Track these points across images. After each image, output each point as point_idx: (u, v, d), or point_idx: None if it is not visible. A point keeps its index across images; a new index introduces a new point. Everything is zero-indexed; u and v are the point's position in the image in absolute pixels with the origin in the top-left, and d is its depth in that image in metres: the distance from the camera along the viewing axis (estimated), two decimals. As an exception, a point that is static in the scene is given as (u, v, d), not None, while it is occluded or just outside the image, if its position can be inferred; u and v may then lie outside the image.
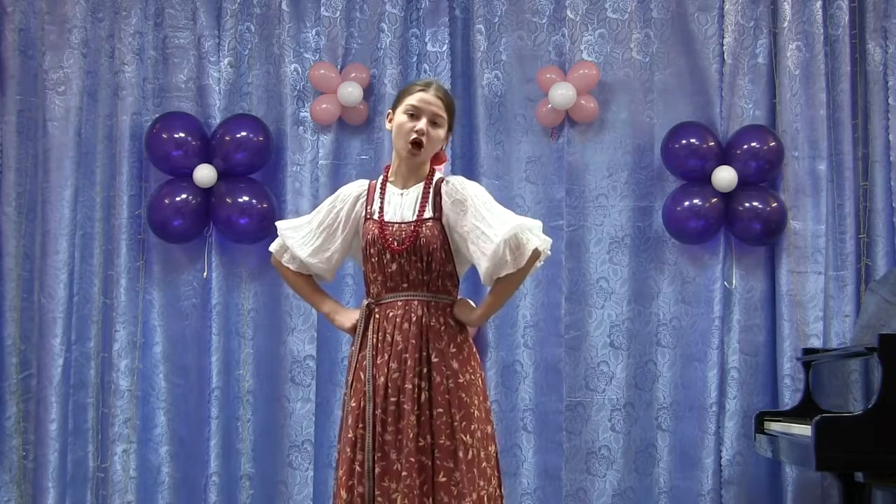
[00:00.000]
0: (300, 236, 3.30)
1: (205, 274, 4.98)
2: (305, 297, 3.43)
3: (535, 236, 3.07)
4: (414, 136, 3.13)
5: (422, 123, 3.14)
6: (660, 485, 4.90)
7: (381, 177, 3.28)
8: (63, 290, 4.94)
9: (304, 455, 4.86)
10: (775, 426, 4.35)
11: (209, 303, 4.94)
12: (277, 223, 3.39)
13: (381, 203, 3.21)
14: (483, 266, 3.06)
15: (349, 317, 3.29)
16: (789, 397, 4.75)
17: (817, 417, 3.63)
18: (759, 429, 4.50)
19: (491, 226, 3.04)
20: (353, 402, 3.16)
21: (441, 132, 3.19)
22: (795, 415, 4.40)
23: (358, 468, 3.09)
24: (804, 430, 3.84)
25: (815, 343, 4.78)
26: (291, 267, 3.34)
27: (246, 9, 5.06)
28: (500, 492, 3.17)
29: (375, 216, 3.20)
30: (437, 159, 3.27)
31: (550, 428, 4.92)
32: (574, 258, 4.97)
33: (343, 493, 3.10)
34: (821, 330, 4.84)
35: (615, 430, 4.93)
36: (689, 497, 4.85)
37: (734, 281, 4.92)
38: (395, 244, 3.13)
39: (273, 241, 4.84)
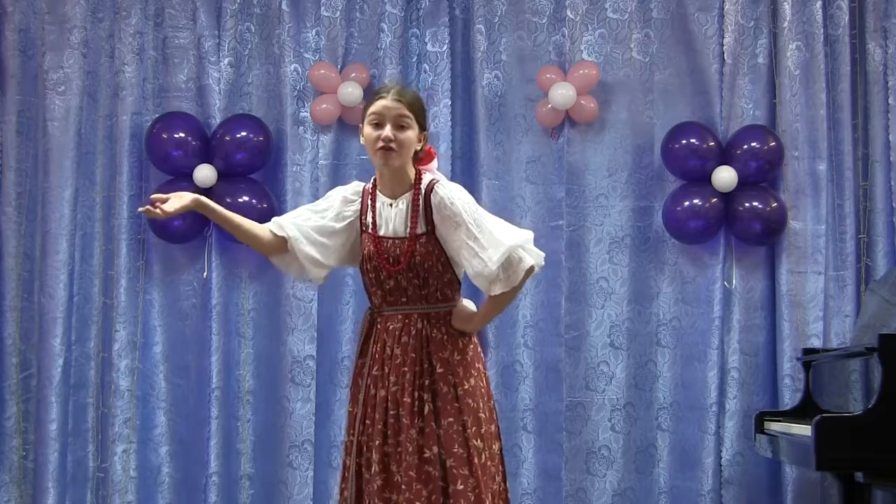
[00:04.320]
0: (293, 216, 3.25)
1: (205, 274, 4.98)
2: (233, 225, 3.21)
3: (528, 253, 3.05)
4: (381, 143, 3.08)
5: (386, 130, 3.08)
6: (660, 485, 4.90)
7: (371, 184, 3.23)
8: (63, 290, 4.94)
9: (304, 455, 4.86)
10: (775, 426, 4.35)
11: (209, 303, 4.94)
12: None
13: (374, 216, 3.17)
14: (479, 281, 3.07)
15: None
16: (789, 397, 4.75)
17: (817, 417, 3.63)
18: (759, 429, 4.50)
19: (485, 248, 3.02)
20: (349, 407, 3.21)
21: (410, 133, 3.11)
22: (795, 415, 4.40)
23: (347, 473, 3.14)
24: (804, 430, 3.84)
25: (815, 343, 4.78)
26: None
27: (246, 9, 5.06)
28: (505, 486, 3.19)
29: (370, 230, 3.17)
30: (425, 158, 3.23)
31: (550, 428, 4.92)
32: (574, 258, 4.97)
33: (337, 496, 3.20)
34: (821, 330, 4.84)
35: (615, 430, 4.93)
36: (689, 497, 4.85)
37: (734, 281, 4.92)
38: (390, 262, 3.11)
39: None
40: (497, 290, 3.04)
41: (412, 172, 3.17)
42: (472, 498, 3.00)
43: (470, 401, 3.08)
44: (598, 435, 4.92)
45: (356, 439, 3.12)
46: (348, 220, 3.21)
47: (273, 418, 4.94)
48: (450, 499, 3.00)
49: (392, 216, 3.14)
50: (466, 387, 3.10)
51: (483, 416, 3.10)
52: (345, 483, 3.14)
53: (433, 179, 3.17)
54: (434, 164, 3.28)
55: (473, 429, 3.06)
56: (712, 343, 4.86)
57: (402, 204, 3.14)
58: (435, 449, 3.04)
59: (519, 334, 4.96)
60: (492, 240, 3.03)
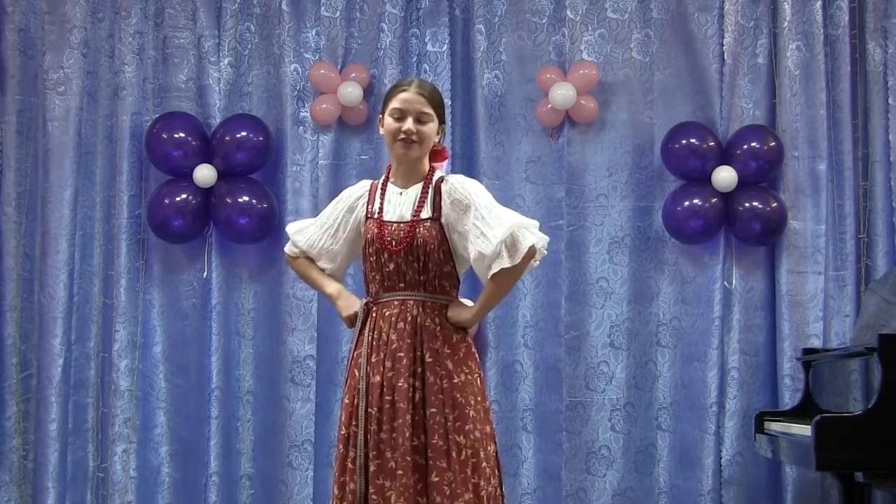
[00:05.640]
0: (306, 238, 3.36)
1: (205, 274, 4.98)
2: (312, 280, 3.41)
3: (532, 234, 3.09)
4: (402, 136, 3.17)
5: (408, 124, 3.17)
6: (660, 485, 4.90)
7: (383, 177, 3.31)
8: (63, 290, 4.94)
9: (304, 455, 4.86)
10: (775, 426, 4.35)
11: (209, 303, 4.95)
12: (287, 227, 3.46)
13: (382, 203, 3.24)
14: (480, 264, 3.08)
15: (351, 304, 3.30)
16: (789, 397, 4.76)
17: (817, 417, 3.63)
18: (759, 429, 4.50)
19: (490, 226, 3.06)
20: (346, 399, 3.20)
21: (430, 126, 3.21)
22: (795, 415, 4.40)
23: (350, 465, 3.12)
24: (804, 430, 3.85)
25: (815, 343, 4.78)
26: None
27: (246, 9, 5.06)
28: (501, 491, 3.18)
29: (375, 216, 3.23)
30: (438, 156, 3.30)
31: (550, 428, 4.92)
32: (574, 258, 4.97)
33: (335, 490, 3.15)
34: (821, 330, 4.84)
35: (615, 430, 4.93)
36: (689, 497, 4.85)
37: (734, 281, 4.92)
38: (393, 244, 3.16)
39: (272, 241, 4.93)
40: (498, 266, 3.04)
41: (426, 166, 3.25)
42: (448, 492, 3.01)
43: (458, 395, 3.09)
44: (598, 435, 4.92)
45: (361, 430, 3.12)
46: (352, 221, 3.29)
47: (273, 418, 4.94)
48: (426, 489, 3.04)
49: (401, 202, 3.22)
50: (455, 381, 3.10)
51: (473, 414, 3.09)
52: (347, 475, 3.12)
53: (445, 175, 3.26)
54: (443, 165, 3.34)
55: (458, 424, 3.06)
56: (712, 343, 4.86)
57: (412, 192, 3.22)
58: (422, 437, 3.07)
59: (519, 334, 4.96)
60: (498, 220, 3.07)
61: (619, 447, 4.92)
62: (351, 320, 3.28)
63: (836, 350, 4.39)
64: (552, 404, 4.93)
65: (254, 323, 5.00)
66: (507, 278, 3.10)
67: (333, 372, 4.93)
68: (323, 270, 3.36)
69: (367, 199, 3.29)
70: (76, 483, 4.93)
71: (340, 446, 3.16)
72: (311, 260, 3.37)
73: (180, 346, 5.01)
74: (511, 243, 3.04)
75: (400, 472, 3.03)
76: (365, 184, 3.36)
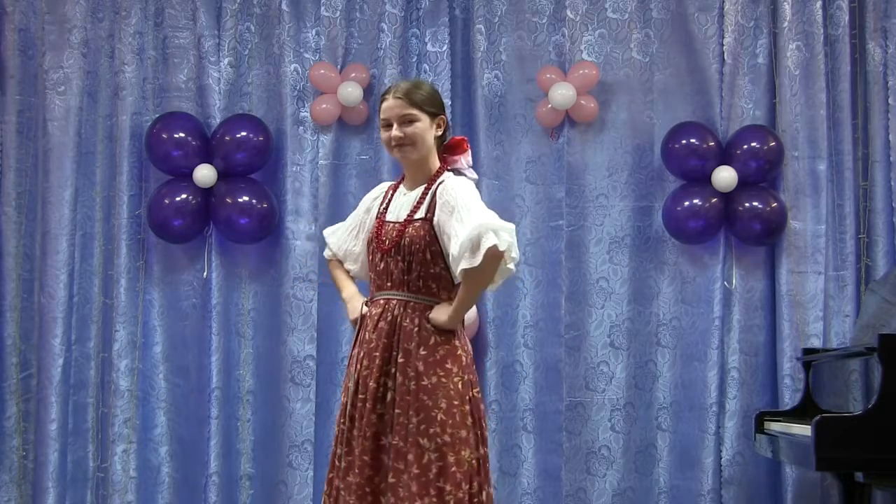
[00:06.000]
0: (335, 240, 3.48)
1: (205, 274, 4.98)
2: (336, 282, 3.51)
3: (497, 236, 3.01)
4: (392, 143, 3.22)
5: (393, 130, 3.21)
6: (660, 485, 4.90)
7: (399, 178, 3.37)
8: (63, 290, 4.94)
9: (304, 455, 4.86)
10: (775, 426, 4.35)
11: (209, 303, 4.95)
12: (324, 231, 3.58)
13: (388, 203, 3.30)
14: (454, 265, 3.08)
15: (357, 308, 3.34)
16: (789, 397, 4.76)
17: (817, 417, 3.63)
18: (759, 429, 4.50)
19: (464, 227, 3.05)
20: (342, 397, 3.24)
21: (418, 125, 3.21)
22: (795, 415, 4.40)
23: (337, 462, 3.17)
24: (804, 430, 3.85)
25: (815, 343, 4.78)
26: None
27: (246, 9, 5.06)
28: (480, 498, 3.09)
29: (380, 216, 3.29)
30: (457, 149, 3.32)
31: (550, 428, 4.92)
32: (574, 258, 4.97)
33: (325, 485, 3.21)
34: (821, 330, 4.84)
35: (615, 430, 4.93)
36: (689, 497, 4.85)
37: (734, 281, 4.92)
38: (385, 243, 3.20)
39: (272, 241, 4.95)
40: (461, 266, 3.02)
41: (434, 165, 3.28)
42: (401, 493, 3.02)
43: (425, 398, 3.07)
44: (598, 435, 4.92)
45: (347, 427, 3.16)
46: (367, 221, 3.37)
47: (273, 418, 4.94)
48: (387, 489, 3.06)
49: (402, 203, 3.25)
50: (424, 383, 3.08)
51: (442, 417, 3.06)
52: (334, 472, 3.18)
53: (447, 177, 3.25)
54: (467, 157, 3.34)
55: (422, 426, 3.05)
56: (712, 343, 4.86)
57: (415, 193, 3.25)
58: (390, 437, 3.09)
59: (519, 334, 4.96)
60: (471, 221, 3.04)
61: (619, 447, 4.92)
62: (356, 323, 3.31)
63: (836, 350, 4.39)
64: (552, 404, 4.93)
65: (254, 323, 5.00)
66: (474, 278, 3.07)
67: (333, 372, 4.93)
68: (348, 272, 3.45)
69: (381, 200, 3.35)
70: (76, 483, 4.93)
71: (333, 443, 3.23)
72: (342, 262, 3.47)
73: (180, 346, 5.01)
74: (475, 244, 3.01)
75: (357, 469, 3.08)
76: (384, 185, 3.44)
